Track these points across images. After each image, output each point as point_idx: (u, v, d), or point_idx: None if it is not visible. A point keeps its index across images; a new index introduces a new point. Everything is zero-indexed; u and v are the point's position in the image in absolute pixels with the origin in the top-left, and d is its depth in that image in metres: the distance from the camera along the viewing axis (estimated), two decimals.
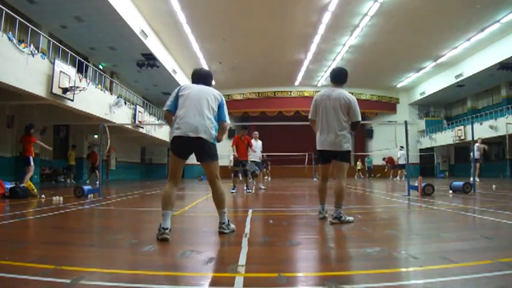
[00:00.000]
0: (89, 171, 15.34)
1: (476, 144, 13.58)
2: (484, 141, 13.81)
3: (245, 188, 8.94)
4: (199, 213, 5.15)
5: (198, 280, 1.95)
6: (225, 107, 3.30)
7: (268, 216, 4.65)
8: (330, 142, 3.78)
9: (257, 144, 9.72)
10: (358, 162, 23.27)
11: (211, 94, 3.19)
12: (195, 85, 3.29)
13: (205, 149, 3.07)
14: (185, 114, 3.04)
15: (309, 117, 4.08)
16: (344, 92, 3.85)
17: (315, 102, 3.99)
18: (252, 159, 9.24)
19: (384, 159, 20.91)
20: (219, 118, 3.23)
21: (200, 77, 3.36)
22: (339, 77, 4.00)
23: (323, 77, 23.52)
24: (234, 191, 8.60)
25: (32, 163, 8.78)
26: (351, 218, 3.79)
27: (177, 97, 3.18)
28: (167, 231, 2.88)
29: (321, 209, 4.04)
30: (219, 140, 3.25)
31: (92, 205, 5.76)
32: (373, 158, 23.73)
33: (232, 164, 15.01)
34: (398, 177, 18.18)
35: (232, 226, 3.26)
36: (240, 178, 10.22)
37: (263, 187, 10.15)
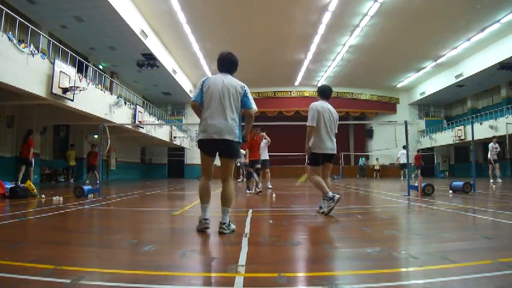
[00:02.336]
0: (87, 170, 15.08)
1: (491, 144, 13.16)
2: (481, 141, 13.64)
3: (256, 188, 8.70)
4: (199, 213, 5.14)
5: (198, 280, 1.95)
6: (249, 95, 3.37)
7: (268, 216, 4.65)
8: (332, 148, 4.58)
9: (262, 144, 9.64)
10: (375, 162, 23.28)
11: (233, 90, 3.26)
12: (218, 79, 3.31)
13: (228, 148, 3.24)
14: (210, 116, 3.20)
15: (310, 123, 4.48)
16: (333, 109, 4.72)
17: (317, 112, 4.51)
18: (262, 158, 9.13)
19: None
20: (244, 106, 3.32)
21: (226, 63, 3.43)
22: (328, 93, 4.78)
23: (323, 77, 23.52)
24: (250, 191, 8.38)
25: (33, 164, 10.51)
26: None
27: (201, 90, 3.30)
28: (208, 221, 3.21)
29: (328, 197, 4.33)
30: (244, 137, 3.38)
31: (92, 205, 5.76)
32: (374, 158, 23.81)
33: (243, 164, 14.97)
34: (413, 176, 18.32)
35: (233, 226, 3.28)
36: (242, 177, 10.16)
37: (270, 186, 10.08)
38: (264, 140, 9.42)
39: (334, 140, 4.62)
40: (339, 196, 4.29)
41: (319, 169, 4.62)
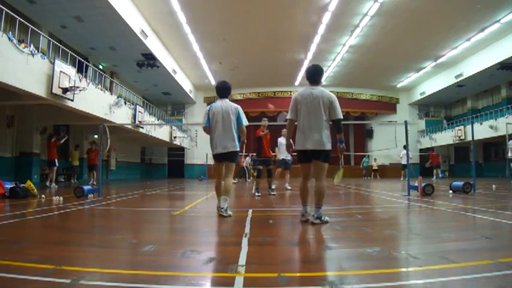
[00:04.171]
0: (88, 170, 14.26)
1: (511, 141, 11.98)
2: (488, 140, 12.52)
3: (269, 190, 8.12)
4: (199, 213, 5.15)
5: (198, 280, 1.95)
6: (242, 113, 4.54)
7: (268, 216, 4.65)
8: (314, 141, 3.72)
9: (282, 141, 8.69)
10: (374, 162, 23.26)
11: (231, 112, 4.43)
12: (218, 107, 4.45)
13: (231, 156, 4.47)
14: (217, 136, 4.42)
15: (288, 117, 3.96)
16: (325, 91, 3.86)
17: (295, 102, 3.90)
18: (283, 157, 8.70)
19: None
20: (238, 123, 4.49)
21: (223, 90, 4.61)
22: (316, 76, 3.98)
23: (323, 77, 23.51)
24: (258, 194, 7.61)
25: (56, 164, 11.46)
26: (327, 218, 3.80)
27: (208, 116, 4.48)
28: (223, 208, 4.25)
29: (304, 211, 3.90)
30: (243, 141, 4.57)
31: (92, 205, 5.76)
32: (373, 158, 23.82)
33: (251, 162, 14.73)
34: (434, 177, 18.28)
35: (230, 212, 4.32)
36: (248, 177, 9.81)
37: (289, 187, 9.56)
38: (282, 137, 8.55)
39: (320, 130, 3.72)
40: (307, 219, 3.80)
41: (307, 168, 3.89)
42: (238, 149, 4.45)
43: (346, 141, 34.42)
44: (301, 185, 3.95)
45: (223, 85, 4.64)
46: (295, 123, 3.98)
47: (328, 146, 3.73)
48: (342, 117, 3.81)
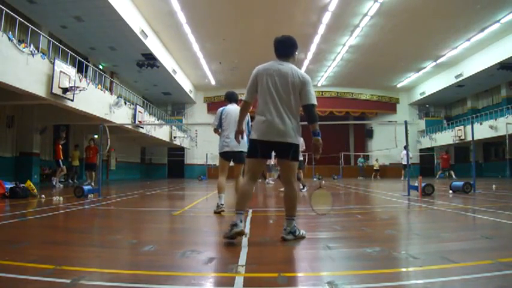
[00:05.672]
0: (85, 168, 13.29)
1: None
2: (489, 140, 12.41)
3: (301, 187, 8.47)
4: (199, 213, 5.15)
5: (198, 280, 1.94)
6: (250, 121, 4.59)
7: (268, 216, 4.65)
8: (279, 131, 2.81)
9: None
10: (374, 162, 23.17)
11: None
12: (231, 109, 4.77)
13: (241, 157, 4.61)
14: (228, 135, 4.63)
15: (245, 98, 3.07)
16: (296, 68, 2.99)
17: (255, 78, 2.99)
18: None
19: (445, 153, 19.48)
20: (248, 127, 4.74)
21: (231, 97, 4.99)
22: (288, 48, 3.04)
23: (323, 77, 23.51)
24: (305, 190, 8.42)
25: (62, 164, 11.62)
26: (304, 232, 2.98)
27: (220, 118, 4.82)
28: (223, 205, 4.58)
29: (238, 220, 2.82)
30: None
31: (92, 205, 5.76)
32: (373, 158, 23.82)
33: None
34: (437, 176, 18.12)
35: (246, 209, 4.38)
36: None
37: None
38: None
39: (286, 118, 2.83)
40: (233, 235, 2.77)
41: (260, 165, 3.03)
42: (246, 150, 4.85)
43: (346, 141, 34.08)
44: (244, 186, 2.95)
45: (234, 92, 5.14)
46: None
47: (296, 140, 2.86)
48: (315, 102, 2.91)
